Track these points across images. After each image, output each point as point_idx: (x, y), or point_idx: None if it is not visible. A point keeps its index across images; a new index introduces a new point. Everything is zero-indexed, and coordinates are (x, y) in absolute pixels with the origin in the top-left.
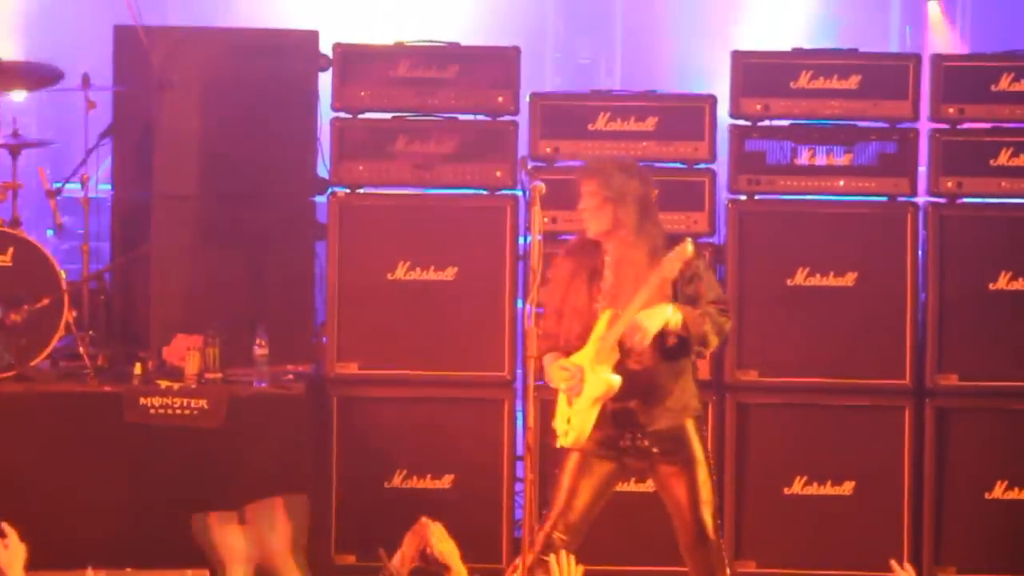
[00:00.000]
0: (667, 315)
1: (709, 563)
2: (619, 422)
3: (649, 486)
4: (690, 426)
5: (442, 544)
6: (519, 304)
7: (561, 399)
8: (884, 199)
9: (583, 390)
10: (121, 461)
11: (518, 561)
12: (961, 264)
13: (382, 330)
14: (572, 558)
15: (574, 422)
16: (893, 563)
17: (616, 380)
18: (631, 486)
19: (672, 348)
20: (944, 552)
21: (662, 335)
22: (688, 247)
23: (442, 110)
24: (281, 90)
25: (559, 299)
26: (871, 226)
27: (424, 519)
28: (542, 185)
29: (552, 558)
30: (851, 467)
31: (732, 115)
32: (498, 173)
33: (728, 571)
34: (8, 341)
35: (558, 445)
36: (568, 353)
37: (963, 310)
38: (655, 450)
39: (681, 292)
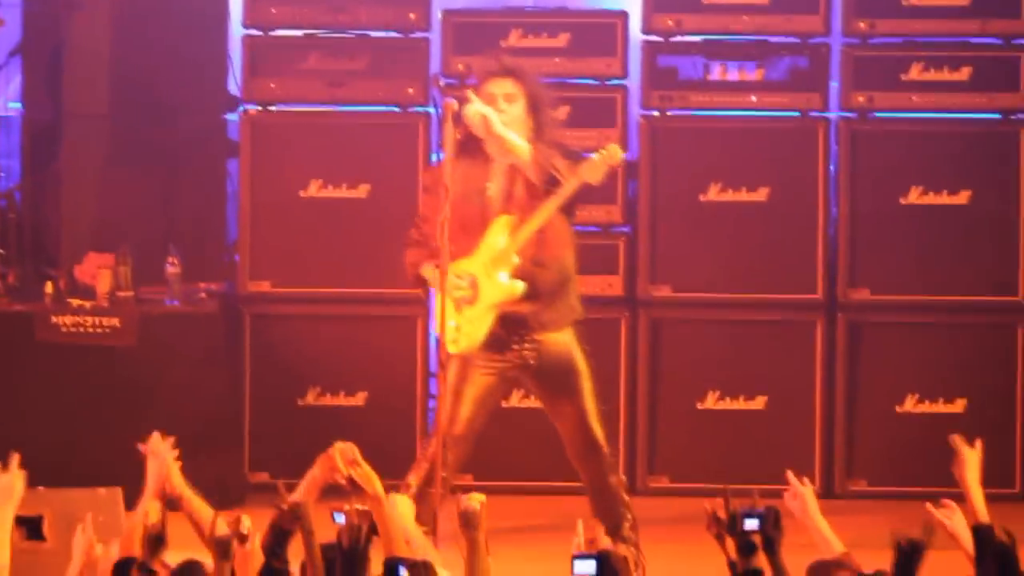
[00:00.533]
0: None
1: (602, 470)
2: (508, 326)
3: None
4: (571, 337)
5: (356, 468)
6: None
7: (447, 305)
8: (796, 114)
9: (479, 297)
10: (33, 380)
11: (411, 478)
12: (873, 179)
13: (295, 248)
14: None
15: (466, 328)
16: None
17: (519, 285)
18: (530, 402)
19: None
20: (856, 465)
21: None
22: (619, 152)
23: (353, 27)
24: (192, 7)
25: (443, 208)
26: (783, 141)
27: (337, 444)
28: (454, 102)
29: None
30: (763, 381)
31: (644, 31)
32: (410, 90)
33: (622, 476)
34: None
35: (449, 352)
36: (449, 260)
37: (875, 225)
38: (533, 363)
39: None
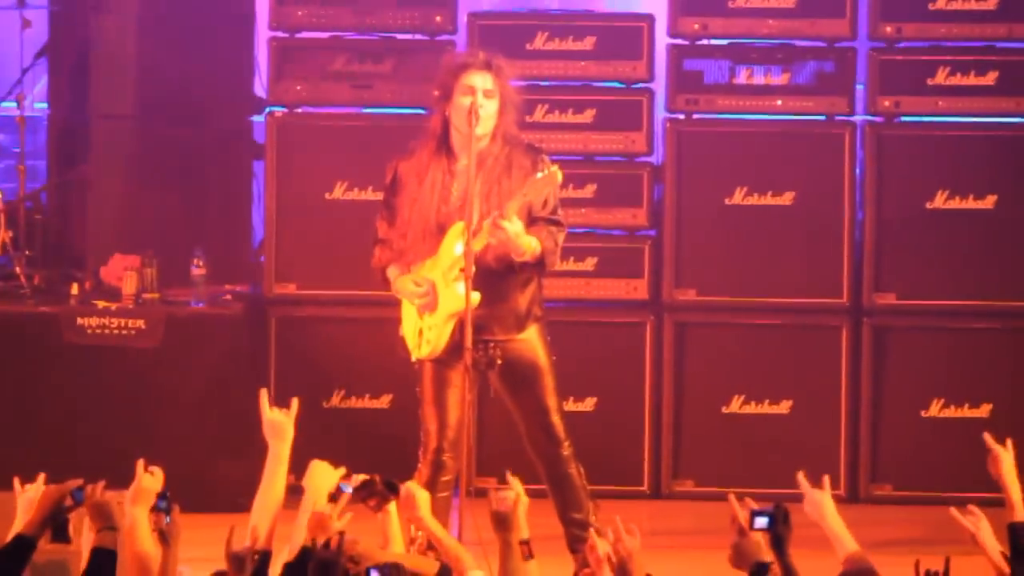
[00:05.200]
0: (533, 245)
1: (561, 462)
2: (473, 331)
3: None
4: (534, 333)
5: (429, 521)
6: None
7: (409, 309)
8: (822, 118)
9: (438, 305)
10: (59, 381)
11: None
12: (899, 183)
13: (321, 250)
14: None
15: (428, 335)
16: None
17: (476, 297)
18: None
19: (520, 266)
20: (881, 470)
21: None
22: (558, 175)
23: (380, 29)
24: (218, 9)
25: (404, 207)
26: (809, 145)
27: (408, 488)
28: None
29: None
30: (789, 386)
31: (670, 34)
32: (436, 92)
33: (581, 468)
34: None
35: (412, 358)
36: (409, 263)
37: (900, 229)
38: (500, 361)
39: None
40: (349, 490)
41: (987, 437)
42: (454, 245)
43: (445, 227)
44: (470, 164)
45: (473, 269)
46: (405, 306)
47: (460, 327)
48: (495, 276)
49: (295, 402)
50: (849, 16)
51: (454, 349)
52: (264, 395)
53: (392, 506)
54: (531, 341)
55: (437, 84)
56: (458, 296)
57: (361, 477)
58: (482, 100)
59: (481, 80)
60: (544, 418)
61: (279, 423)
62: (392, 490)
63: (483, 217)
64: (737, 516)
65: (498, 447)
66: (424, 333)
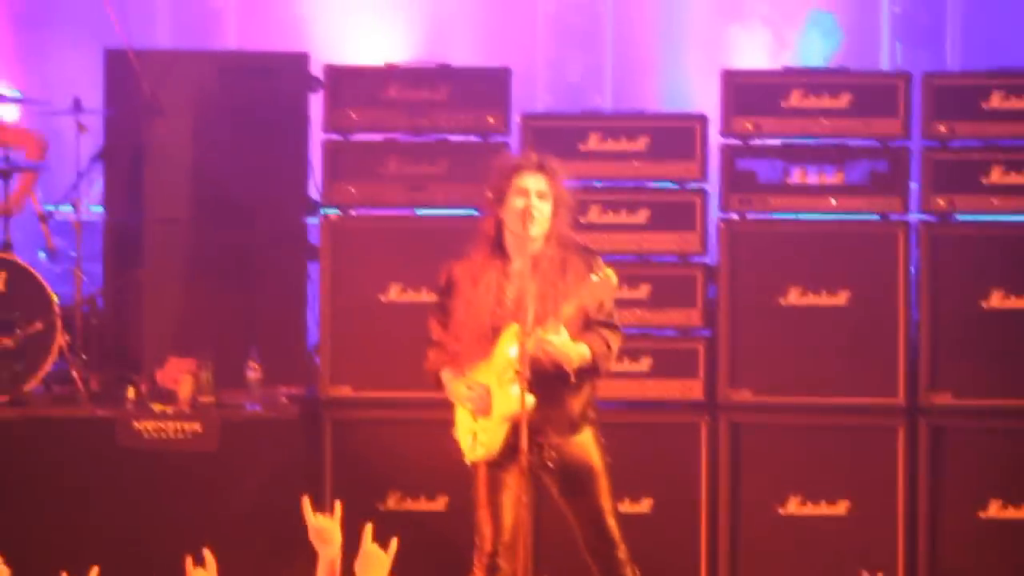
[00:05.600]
0: (583, 353)
1: (617, 565)
2: (527, 433)
3: None
4: (588, 435)
5: None
6: None
7: (463, 412)
8: (876, 217)
9: (492, 409)
10: (116, 485)
11: None
12: (954, 282)
13: (375, 352)
14: None
15: (482, 438)
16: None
17: (530, 400)
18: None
19: (573, 374)
20: (939, 571)
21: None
22: (613, 278)
23: (433, 131)
24: (272, 112)
25: (458, 309)
26: (863, 245)
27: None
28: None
29: None
30: (845, 486)
31: (723, 134)
32: (489, 195)
33: (636, 571)
34: (1, 366)
35: (467, 460)
36: (463, 366)
37: (956, 328)
38: (552, 466)
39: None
40: None
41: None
42: (508, 348)
43: (499, 330)
44: (523, 266)
45: (527, 373)
46: (459, 409)
47: (514, 429)
48: (549, 379)
49: (338, 505)
50: (902, 115)
51: (508, 452)
52: (307, 502)
53: None
54: (585, 444)
55: (490, 186)
56: (512, 399)
57: None
58: (535, 202)
59: (534, 182)
60: (599, 520)
61: (325, 529)
62: None
63: (538, 319)
64: None
65: (555, 549)
66: (478, 436)
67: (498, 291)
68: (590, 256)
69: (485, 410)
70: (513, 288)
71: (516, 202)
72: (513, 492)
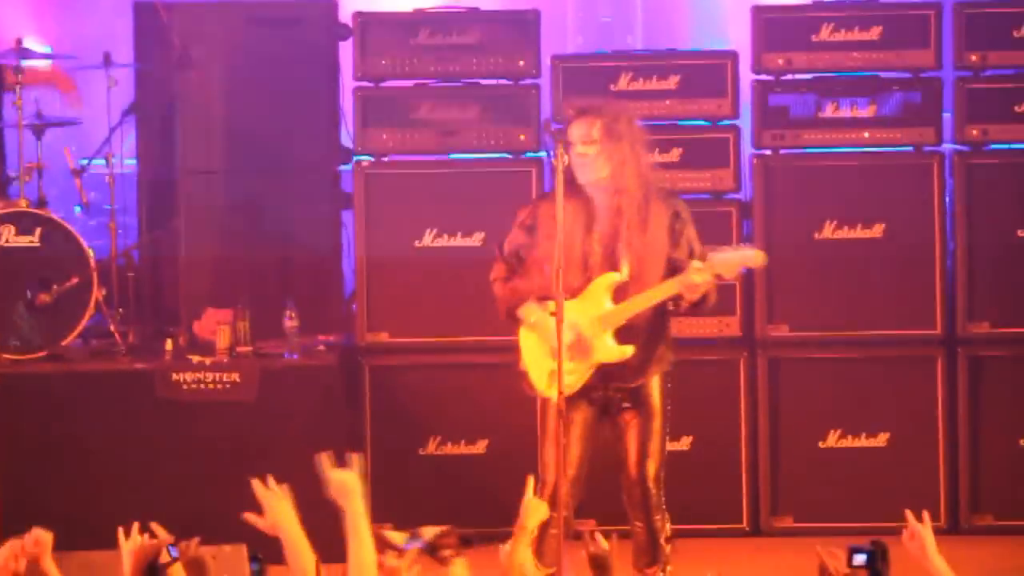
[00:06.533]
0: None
1: (647, 509)
2: (601, 375)
3: None
4: (656, 381)
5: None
6: None
7: (535, 346)
8: (910, 149)
9: (591, 354)
10: (156, 438)
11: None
12: (989, 212)
13: (412, 298)
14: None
15: (568, 379)
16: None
17: (629, 351)
18: None
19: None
20: (981, 500)
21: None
22: (761, 258)
23: (464, 76)
24: (302, 61)
25: (542, 246)
26: (898, 177)
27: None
28: (566, 157)
29: None
30: (885, 418)
31: (754, 70)
32: (522, 137)
33: (667, 524)
34: (39, 321)
35: (539, 395)
36: (543, 301)
37: (992, 258)
38: (625, 404)
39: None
40: (420, 543)
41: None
42: (603, 298)
43: (588, 267)
44: (605, 204)
45: (623, 322)
46: (530, 342)
47: (596, 372)
48: (640, 328)
49: (355, 458)
50: (934, 46)
51: (582, 391)
52: (324, 459)
53: (459, 562)
54: (650, 388)
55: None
56: (612, 349)
57: (434, 530)
58: (580, 149)
59: (578, 130)
60: (640, 461)
61: (345, 481)
62: (466, 544)
63: (631, 267)
64: (826, 565)
65: (598, 490)
66: (554, 373)
67: (586, 225)
68: (671, 199)
69: (584, 353)
70: (600, 225)
71: (572, 153)
72: (580, 428)
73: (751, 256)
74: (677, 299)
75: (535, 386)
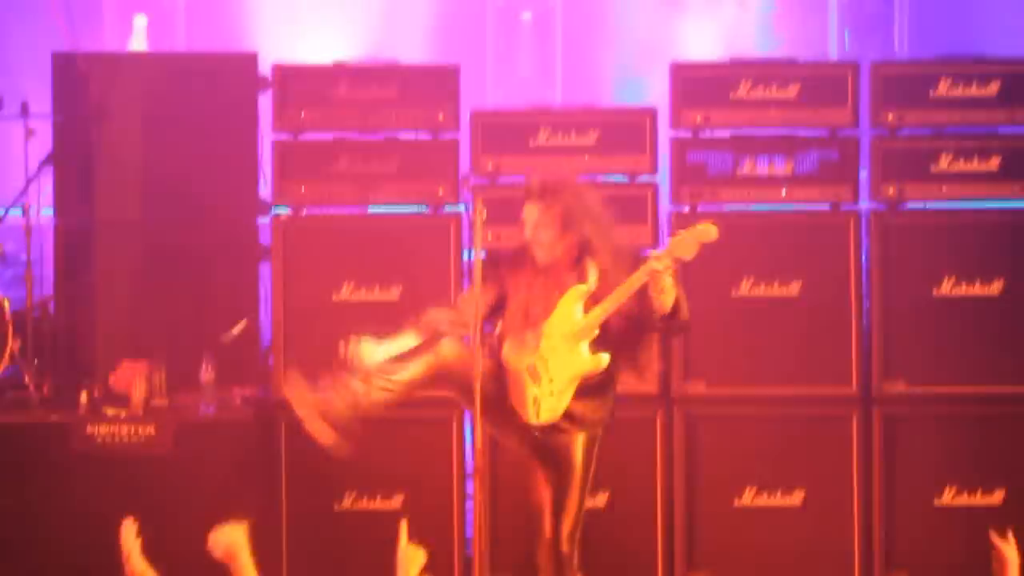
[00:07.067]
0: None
1: (559, 569)
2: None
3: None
4: (581, 438)
5: None
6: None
7: (523, 378)
8: (826, 207)
9: (559, 371)
10: (69, 491)
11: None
12: (905, 270)
13: (328, 351)
14: None
15: (548, 402)
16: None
17: (605, 358)
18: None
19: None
20: (895, 559)
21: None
22: (712, 230)
23: (383, 128)
24: (221, 113)
25: (519, 288)
26: (814, 234)
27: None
28: (483, 209)
29: None
30: (800, 476)
31: (672, 127)
32: (440, 191)
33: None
34: None
35: (533, 422)
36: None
37: (908, 316)
38: (536, 445)
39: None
40: None
41: (992, 535)
42: (572, 311)
43: (529, 310)
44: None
45: (596, 332)
46: (515, 375)
47: (580, 391)
48: (613, 339)
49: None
50: (851, 104)
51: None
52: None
53: None
54: (573, 441)
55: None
56: (584, 358)
57: None
58: (531, 232)
59: (530, 212)
60: (555, 518)
61: (233, 541)
62: None
63: (599, 272)
64: None
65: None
66: (541, 400)
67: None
68: (639, 262)
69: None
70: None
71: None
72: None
73: (703, 231)
74: (650, 310)
75: (526, 417)
